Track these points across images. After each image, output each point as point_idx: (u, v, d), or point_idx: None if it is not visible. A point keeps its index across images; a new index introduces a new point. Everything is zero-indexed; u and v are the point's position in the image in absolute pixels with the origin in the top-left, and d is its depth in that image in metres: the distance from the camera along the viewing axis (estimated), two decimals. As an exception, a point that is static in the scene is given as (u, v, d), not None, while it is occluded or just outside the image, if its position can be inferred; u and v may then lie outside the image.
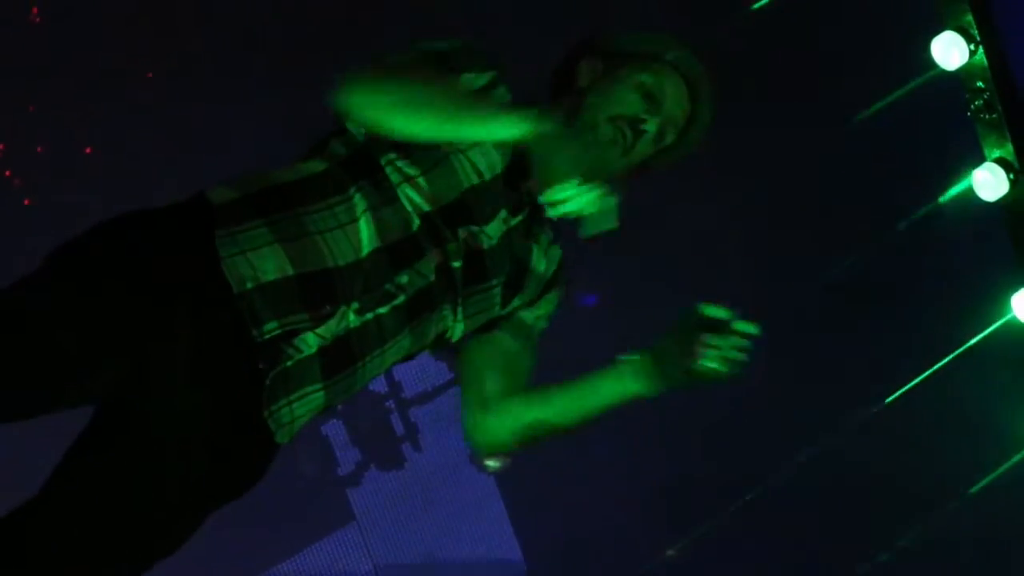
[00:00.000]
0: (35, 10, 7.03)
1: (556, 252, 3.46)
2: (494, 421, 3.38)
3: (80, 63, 7.18)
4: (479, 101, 3.14)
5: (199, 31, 7.42)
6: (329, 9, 7.39)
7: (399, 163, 3.13)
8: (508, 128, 2.98)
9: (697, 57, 3.37)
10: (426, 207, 3.13)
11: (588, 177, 3.06)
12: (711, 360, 3.11)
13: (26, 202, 7.28)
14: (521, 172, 3.25)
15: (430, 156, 3.14)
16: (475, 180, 3.19)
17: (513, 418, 3.36)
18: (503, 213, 3.24)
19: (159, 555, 3.03)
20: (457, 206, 3.17)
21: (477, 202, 3.19)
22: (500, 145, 3.19)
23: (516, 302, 3.38)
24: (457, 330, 3.30)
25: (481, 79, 3.26)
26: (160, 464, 2.94)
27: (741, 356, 3.12)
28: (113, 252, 2.97)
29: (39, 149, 7.33)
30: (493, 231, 3.23)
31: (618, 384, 3.28)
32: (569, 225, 3.32)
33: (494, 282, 3.28)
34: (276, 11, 7.37)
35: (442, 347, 3.39)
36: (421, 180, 3.13)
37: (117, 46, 7.27)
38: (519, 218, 3.30)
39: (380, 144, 3.14)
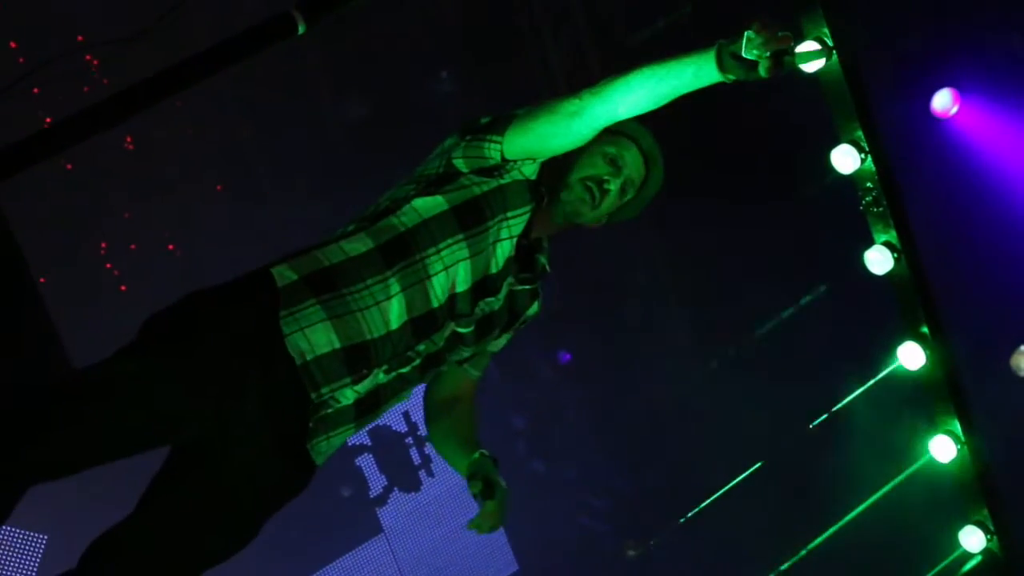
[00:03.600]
0: (128, 139, 6.99)
1: (536, 307, 3.41)
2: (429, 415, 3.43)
3: (165, 179, 7.17)
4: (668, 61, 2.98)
5: (257, 152, 7.43)
6: (354, 133, 7.41)
7: (448, 245, 3.05)
8: (702, 66, 2.90)
9: (650, 132, 3.29)
10: (456, 290, 3.07)
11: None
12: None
13: (122, 288, 7.23)
14: (529, 247, 3.22)
15: (481, 245, 3.08)
16: (501, 263, 3.14)
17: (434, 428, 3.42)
18: (510, 279, 3.20)
19: (235, 549, 3.05)
20: (484, 283, 3.13)
21: (498, 279, 3.15)
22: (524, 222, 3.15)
23: (507, 335, 3.36)
24: (461, 357, 3.29)
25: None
26: (236, 478, 2.96)
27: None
28: (200, 323, 2.95)
29: (132, 246, 7.28)
30: (502, 295, 3.19)
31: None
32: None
33: (497, 331, 3.27)
34: (314, 137, 7.39)
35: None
36: (466, 264, 3.06)
37: (193, 166, 7.27)
38: (529, 287, 3.27)
39: (431, 229, 3.06)
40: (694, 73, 2.95)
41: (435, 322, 3.07)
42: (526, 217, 3.15)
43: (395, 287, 3.01)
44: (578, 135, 3.11)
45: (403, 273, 3.02)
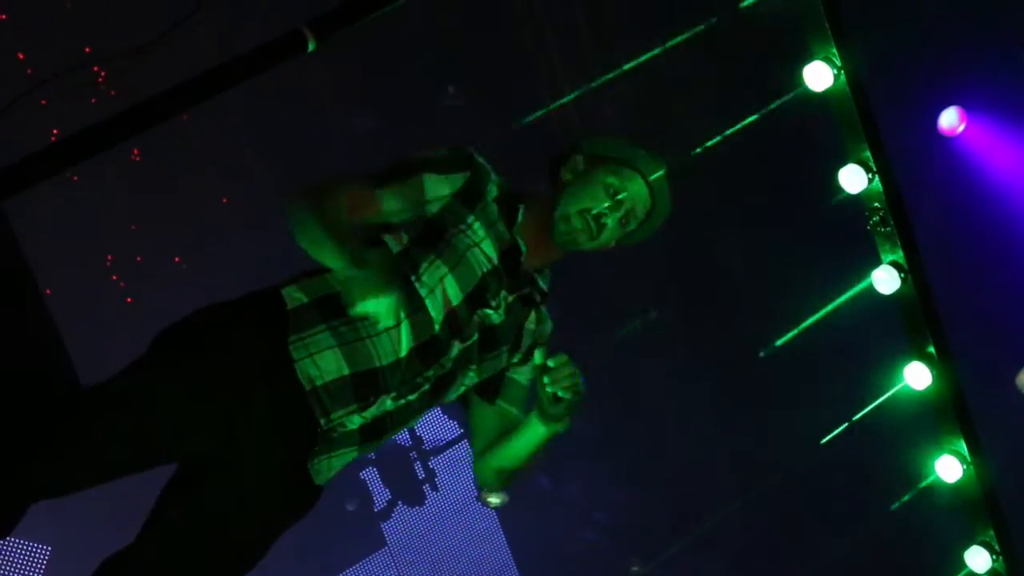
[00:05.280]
0: (135, 151, 7.00)
1: (547, 325, 3.37)
2: (479, 467, 3.30)
3: (171, 191, 7.19)
4: (335, 240, 2.92)
5: (263, 165, 7.45)
6: (361, 148, 7.43)
7: (427, 268, 3.06)
8: (334, 262, 2.89)
9: (661, 163, 3.27)
10: (451, 304, 3.07)
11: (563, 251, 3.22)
12: (564, 394, 2.99)
13: (128, 300, 7.25)
14: (516, 253, 3.21)
15: (454, 255, 3.08)
16: (487, 267, 3.14)
17: (487, 467, 3.27)
18: (504, 292, 3.18)
19: (242, 570, 3.04)
20: (476, 292, 3.12)
21: (490, 285, 3.14)
22: (496, 237, 3.16)
23: (518, 356, 3.30)
24: (473, 382, 3.25)
25: (444, 182, 3.14)
26: (242, 495, 2.96)
27: (578, 383, 3.00)
28: (210, 340, 2.96)
29: (139, 259, 7.30)
30: (501, 308, 3.17)
31: (533, 431, 3.12)
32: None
33: (503, 348, 3.23)
34: (321, 151, 7.41)
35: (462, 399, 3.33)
36: (449, 278, 3.06)
37: (199, 179, 7.30)
38: (519, 293, 3.24)
39: (408, 261, 3.08)
40: None
41: (441, 344, 3.07)
42: (480, 224, 3.15)
43: (403, 313, 3.00)
44: None
45: (405, 300, 2.99)
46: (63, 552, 6.98)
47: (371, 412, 3.01)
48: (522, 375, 3.33)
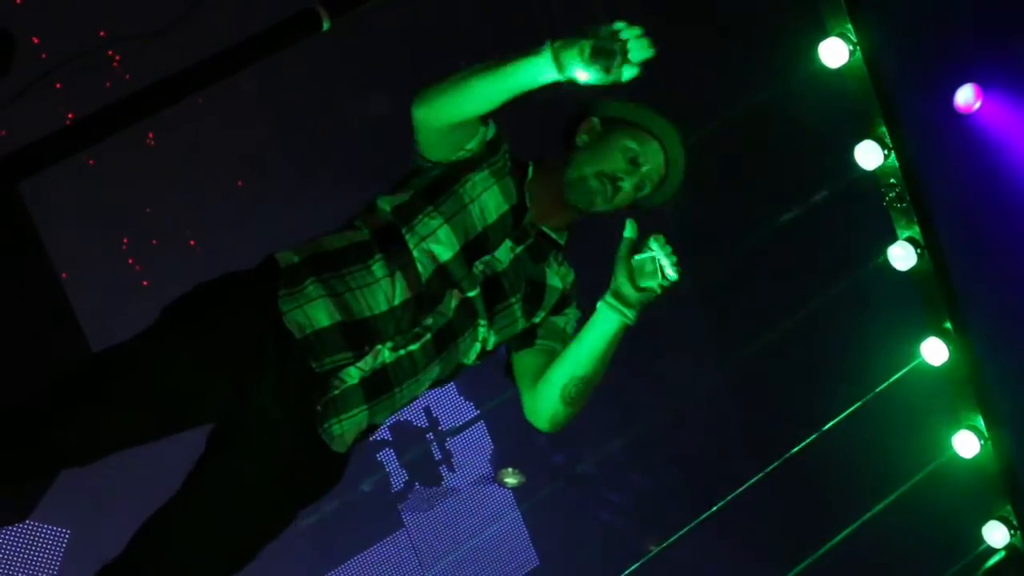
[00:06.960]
0: (150, 135, 7.00)
1: (570, 275, 3.38)
2: (539, 397, 3.20)
3: (186, 175, 7.18)
4: (502, 62, 2.99)
5: (278, 148, 7.45)
6: (376, 130, 7.42)
7: (420, 219, 3.11)
8: (535, 68, 2.89)
9: (677, 131, 3.27)
10: (442, 258, 3.10)
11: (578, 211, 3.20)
12: (657, 277, 2.97)
13: (144, 283, 7.25)
14: (522, 209, 3.22)
15: (455, 205, 3.12)
16: (492, 217, 3.17)
17: (550, 385, 3.16)
18: (509, 242, 3.20)
19: (268, 538, 3.06)
20: (476, 242, 3.15)
21: (491, 236, 3.17)
22: (504, 191, 3.18)
23: (541, 314, 3.31)
24: (491, 342, 3.25)
25: (479, 136, 3.20)
26: (259, 458, 3.01)
27: (674, 263, 2.97)
28: (208, 301, 3.04)
29: (154, 242, 7.30)
30: (503, 256, 3.19)
31: (603, 325, 3.06)
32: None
33: (512, 300, 3.23)
34: (335, 134, 7.40)
35: (485, 359, 3.32)
36: (444, 228, 3.10)
37: (214, 162, 7.29)
38: (524, 246, 3.24)
39: (403, 213, 3.14)
40: (531, 74, 2.94)
41: (433, 294, 3.10)
42: (487, 174, 3.19)
43: (394, 265, 3.08)
44: (428, 124, 3.16)
45: (396, 252, 3.10)
46: (82, 535, 7.00)
47: (368, 363, 3.04)
48: (558, 319, 3.34)
